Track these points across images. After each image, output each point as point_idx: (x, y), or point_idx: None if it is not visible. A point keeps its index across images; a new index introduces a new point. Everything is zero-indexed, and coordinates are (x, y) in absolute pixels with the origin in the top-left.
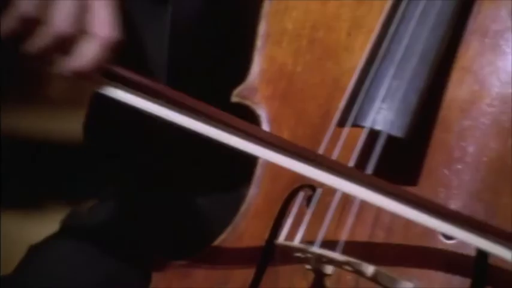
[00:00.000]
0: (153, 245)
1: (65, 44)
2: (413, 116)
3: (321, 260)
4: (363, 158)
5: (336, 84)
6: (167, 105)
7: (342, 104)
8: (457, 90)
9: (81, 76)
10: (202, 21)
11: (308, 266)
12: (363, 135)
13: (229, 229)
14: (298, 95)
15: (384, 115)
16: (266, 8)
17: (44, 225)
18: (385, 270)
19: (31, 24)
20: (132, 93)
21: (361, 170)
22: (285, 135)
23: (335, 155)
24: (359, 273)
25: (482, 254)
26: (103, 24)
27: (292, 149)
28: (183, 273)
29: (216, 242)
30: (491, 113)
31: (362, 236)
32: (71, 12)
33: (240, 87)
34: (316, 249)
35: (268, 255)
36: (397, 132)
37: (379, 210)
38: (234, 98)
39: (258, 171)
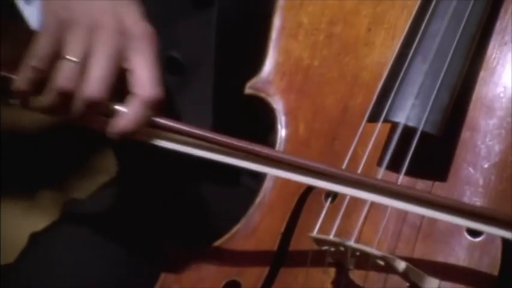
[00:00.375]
0: (162, 235)
1: (103, 108)
2: (445, 113)
3: (354, 254)
4: (396, 155)
5: (355, 80)
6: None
7: (373, 99)
8: (483, 89)
9: (126, 136)
10: (246, 19)
11: (329, 260)
12: (396, 132)
13: (242, 221)
14: (315, 89)
15: (416, 112)
16: (280, 2)
17: (43, 221)
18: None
19: (66, 96)
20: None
21: (395, 169)
22: (301, 128)
23: (366, 153)
24: (390, 268)
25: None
26: (144, 84)
27: (315, 169)
28: (194, 265)
29: (229, 234)
30: None
31: (390, 232)
32: (104, 80)
33: (254, 79)
34: (353, 243)
35: (285, 248)
36: (430, 129)
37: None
38: (248, 90)
39: None
